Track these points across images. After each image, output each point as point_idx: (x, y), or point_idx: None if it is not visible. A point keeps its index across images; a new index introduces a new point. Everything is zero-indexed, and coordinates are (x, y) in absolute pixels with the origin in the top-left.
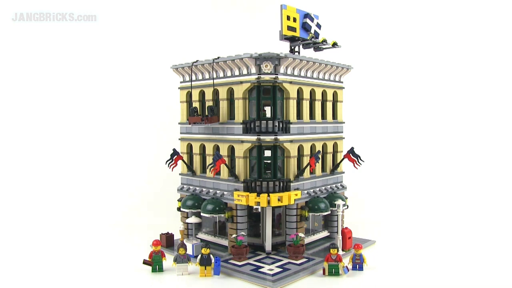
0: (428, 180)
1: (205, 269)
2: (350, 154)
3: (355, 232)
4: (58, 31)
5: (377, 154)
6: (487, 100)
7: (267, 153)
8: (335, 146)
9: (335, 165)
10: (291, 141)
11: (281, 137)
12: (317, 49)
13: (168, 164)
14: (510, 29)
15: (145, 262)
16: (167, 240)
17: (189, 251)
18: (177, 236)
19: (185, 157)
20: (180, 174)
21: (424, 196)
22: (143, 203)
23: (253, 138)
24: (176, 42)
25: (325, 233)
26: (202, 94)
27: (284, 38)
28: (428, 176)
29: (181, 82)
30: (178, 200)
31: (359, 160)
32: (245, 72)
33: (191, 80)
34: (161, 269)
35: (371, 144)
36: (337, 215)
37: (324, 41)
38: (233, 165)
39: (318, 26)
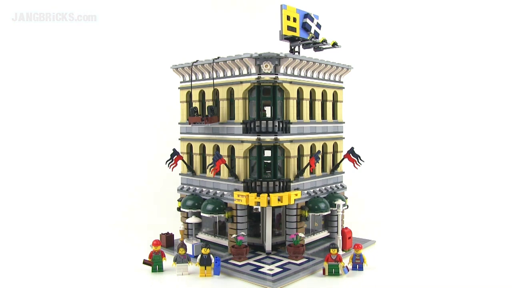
0: (428, 180)
1: (205, 269)
2: (350, 154)
3: (355, 232)
4: (58, 31)
5: (377, 154)
6: (487, 100)
7: (267, 153)
8: (335, 146)
9: (335, 165)
10: (291, 141)
11: (281, 137)
12: (317, 49)
13: (168, 164)
14: (510, 29)
15: (145, 262)
16: (167, 240)
17: (189, 251)
18: (177, 236)
19: (185, 157)
20: (180, 174)
21: (424, 196)
22: (143, 203)
23: (253, 138)
24: (176, 42)
25: (325, 233)
26: (202, 94)
27: (284, 38)
28: (428, 176)
29: (181, 82)
30: (178, 200)
31: (359, 160)
32: (245, 72)
33: (191, 80)
34: (161, 269)
35: (371, 144)
36: (337, 215)
37: (324, 41)
38: (233, 165)
39: (318, 26)
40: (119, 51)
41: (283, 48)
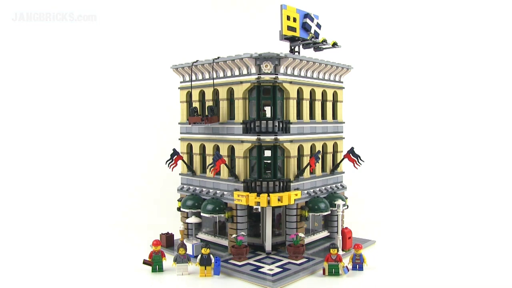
0: (428, 180)
1: (205, 269)
2: (350, 154)
3: (355, 232)
4: (58, 31)
5: (377, 154)
6: (487, 99)
7: (267, 153)
8: (335, 146)
9: (335, 165)
10: (291, 141)
11: (281, 137)
12: (317, 49)
13: (168, 164)
14: (510, 29)
15: (145, 262)
16: (167, 240)
17: (189, 251)
18: (177, 236)
19: (185, 157)
20: (180, 174)
21: (424, 196)
22: (143, 203)
23: (253, 138)
24: (176, 42)
25: (325, 233)
26: (202, 94)
27: (284, 38)
28: (428, 176)
29: (181, 82)
30: (178, 200)
31: (359, 160)
32: (245, 72)
33: (191, 80)
34: (161, 269)
35: (371, 144)
36: (337, 215)
37: (324, 41)
38: (233, 165)
39: (318, 26)
40: (119, 51)
41: (283, 48)
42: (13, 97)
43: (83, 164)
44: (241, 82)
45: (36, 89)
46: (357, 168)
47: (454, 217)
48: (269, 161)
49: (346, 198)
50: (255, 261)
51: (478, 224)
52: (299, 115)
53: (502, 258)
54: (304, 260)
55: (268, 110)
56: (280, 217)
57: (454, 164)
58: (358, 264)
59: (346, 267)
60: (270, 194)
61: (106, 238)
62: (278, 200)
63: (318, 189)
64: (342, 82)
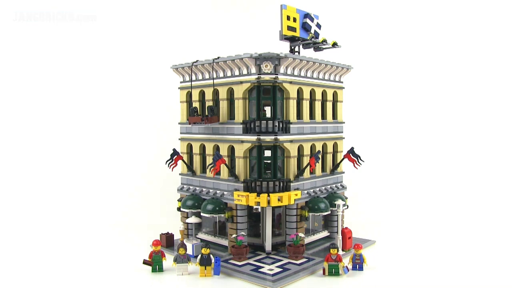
0: (428, 180)
1: (205, 269)
2: (350, 154)
3: (355, 232)
4: (58, 31)
5: (377, 154)
6: (487, 99)
7: (267, 153)
8: (335, 146)
9: (335, 165)
10: (291, 141)
11: (281, 137)
12: (317, 49)
13: (168, 164)
14: (510, 29)
15: (145, 262)
16: (167, 240)
17: (189, 251)
18: (177, 236)
19: (185, 157)
20: (180, 174)
21: (424, 196)
22: (143, 203)
23: (253, 138)
24: (176, 42)
25: (325, 233)
26: (202, 94)
27: (284, 38)
28: (428, 176)
29: (181, 82)
30: (178, 200)
31: (359, 160)
32: (245, 72)
33: (191, 80)
34: (161, 269)
35: (371, 144)
36: (337, 215)
37: (324, 41)
38: (233, 165)
39: (318, 26)
40: (119, 51)
41: (283, 48)
42: (14, 97)
43: (83, 164)
44: (241, 82)
45: (36, 89)
46: (357, 168)
47: (454, 217)
48: (269, 161)
49: (346, 198)
50: (255, 261)
51: (478, 223)
52: (299, 115)
53: (502, 258)
54: (304, 260)
55: (268, 110)
56: (280, 217)
57: (454, 164)
58: (358, 264)
59: (346, 267)
60: (270, 194)
61: (106, 238)
62: (278, 200)
63: (318, 189)
64: (342, 82)
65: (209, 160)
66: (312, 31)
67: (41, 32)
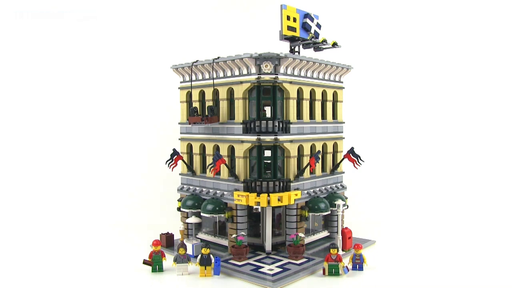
0: (428, 180)
1: (205, 269)
2: (350, 154)
3: (355, 232)
4: (59, 30)
5: (377, 154)
6: (487, 99)
7: (267, 153)
8: (335, 146)
9: (335, 165)
10: (291, 141)
11: (281, 137)
12: (317, 49)
13: (168, 164)
14: (510, 29)
15: (145, 262)
16: (167, 240)
17: (189, 251)
18: (177, 236)
19: (185, 157)
20: (180, 174)
21: (424, 196)
22: (143, 203)
23: (253, 138)
24: (176, 42)
25: (325, 233)
26: (202, 94)
27: (284, 38)
28: (428, 176)
29: (181, 82)
30: (178, 200)
31: (359, 160)
32: (245, 72)
33: (191, 80)
34: (161, 269)
35: (371, 144)
36: (337, 215)
37: (324, 41)
38: (233, 165)
39: (318, 26)
40: (119, 51)
41: (283, 48)
42: (14, 97)
43: (83, 164)
44: (241, 82)
45: (36, 89)
46: (357, 168)
47: (454, 216)
48: (269, 161)
49: (346, 198)
50: (255, 261)
51: (478, 223)
52: (299, 115)
53: (502, 257)
54: (304, 260)
55: (268, 110)
56: (280, 217)
57: (454, 164)
58: (358, 264)
59: (346, 267)
60: (270, 194)
61: (106, 238)
62: (278, 200)
63: (318, 189)
64: (342, 82)
65: (209, 160)
66: (312, 31)
67: (41, 32)
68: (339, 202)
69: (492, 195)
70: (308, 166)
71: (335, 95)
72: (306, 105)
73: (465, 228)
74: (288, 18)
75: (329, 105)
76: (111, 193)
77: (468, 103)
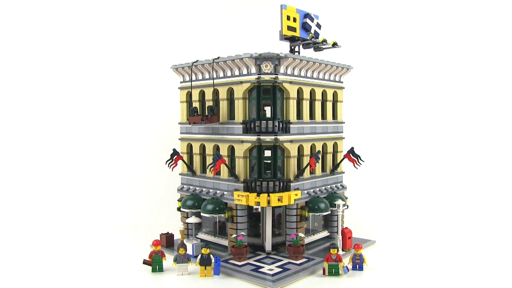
0: (428, 180)
1: (205, 269)
2: (350, 154)
3: (355, 232)
4: (58, 30)
5: (377, 154)
6: (487, 100)
7: (267, 153)
8: (335, 146)
9: (335, 165)
10: (291, 141)
11: (281, 137)
12: (317, 49)
13: (168, 164)
14: (510, 29)
15: (145, 262)
16: (167, 240)
17: (189, 251)
18: (177, 236)
19: (185, 157)
20: (180, 174)
21: (424, 196)
22: (143, 203)
23: (253, 138)
24: (176, 42)
25: (325, 233)
26: (202, 94)
27: (284, 38)
28: (428, 176)
29: (181, 82)
30: (178, 200)
31: (359, 160)
32: (245, 72)
33: (191, 80)
34: (161, 269)
35: (371, 144)
36: (337, 215)
37: (324, 41)
38: (233, 165)
39: (318, 26)
40: (119, 51)
41: (283, 48)
42: (14, 97)
43: (83, 164)
44: (241, 82)
45: (36, 89)
46: (357, 168)
47: (454, 216)
48: (269, 161)
49: (346, 198)
50: (255, 261)
51: (478, 223)
52: (299, 115)
53: (502, 257)
54: (304, 260)
55: (268, 110)
56: (280, 217)
57: (454, 164)
58: (358, 264)
59: (346, 267)
60: (270, 194)
61: (106, 238)
62: (278, 200)
63: (318, 189)
64: (342, 82)
65: (209, 160)
66: (312, 31)
67: (41, 31)
68: (339, 202)
69: (492, 195)
70: (308, 166)
71: (335, 95)
72: (306, 105)
73: (465, 228)
74: (288, 18)
75: (329, 105)
76: (111, 193)
77: (468, 103)
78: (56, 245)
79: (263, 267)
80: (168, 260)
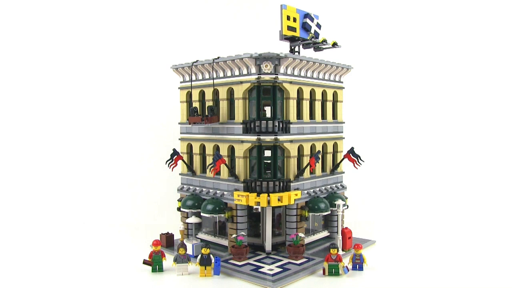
0: (428, 180)
1: (205, 269)
2: (350, 154)
3: (355, 232)
4: (58, 30)
5: (377, 154)
6: (487, 100)
7: (267, 153)
8: (335, 146)
9: (335, 165)
10: (291, 141)
11: (281, 137)
12: (317, 49)
13: (168, 164)
14: (510, 29)
15: (145, 262)
16: (167, 240)
17: (189, 251)
18: (177, 236)
19: (185, 157)
20: (180, 174)
21: (424, 196)
22: (143, 203)
23: (253, 138)
24: (176, 42)
25: (325, 233)
26: (202, 94)
27: (284, 38)
28: (428, 176)
29: (181, 82)
30: (178, 200)
31: (359, 160)
32: (245, 72)
33: (191, 80)
34: (161, 269)
35: (371, 144)
36: (337, 215)
37: (324, 41)
38: (233, 165)
39: (318, 26)
40: (119, 51)
41: (283, 48)
42: (13, 96)
43: (83, 164)
44: (241, 82)
45: (35, 89)
46: (357, 168)
47: (454, 216)
48: (269, 161)
49: (346, 198)
50: (255, 261)
51: (478, 223)
52: (299, 115)
53: (502, 257)
54: (304, 260)
55: (268, 110)
56: (280, 217)
57: (454, 164)
58: (358, 264)
59: (346, 267)
60: (270, 194)
61: (106, 238)
62: (278, 200)
63: (318, 189)
64: (342, 82)
65: (209, 160)
66: (312, 31)
67: (41, 31)
68: (339, 202)
69: (492, 195)
70: (308, 166)
71: (335, 95)
72: (306, 105)
73: (465, 227)
74: (288, 18)
75: (329, 105)
76: (111, 193)
77: (468, 103)
78: (56, 245)
79: (263, 267)
80: (168, 260)
